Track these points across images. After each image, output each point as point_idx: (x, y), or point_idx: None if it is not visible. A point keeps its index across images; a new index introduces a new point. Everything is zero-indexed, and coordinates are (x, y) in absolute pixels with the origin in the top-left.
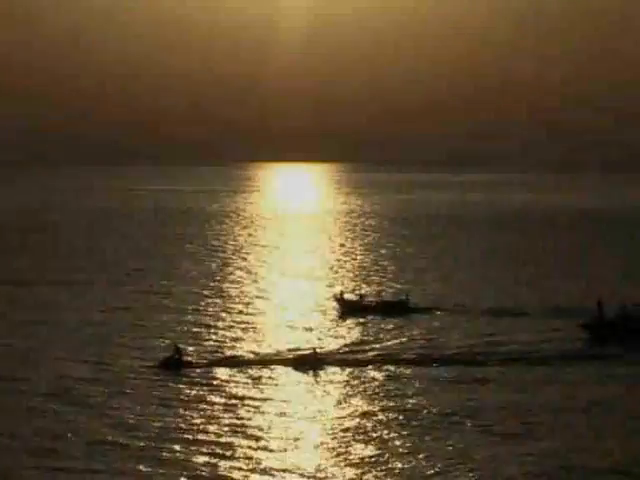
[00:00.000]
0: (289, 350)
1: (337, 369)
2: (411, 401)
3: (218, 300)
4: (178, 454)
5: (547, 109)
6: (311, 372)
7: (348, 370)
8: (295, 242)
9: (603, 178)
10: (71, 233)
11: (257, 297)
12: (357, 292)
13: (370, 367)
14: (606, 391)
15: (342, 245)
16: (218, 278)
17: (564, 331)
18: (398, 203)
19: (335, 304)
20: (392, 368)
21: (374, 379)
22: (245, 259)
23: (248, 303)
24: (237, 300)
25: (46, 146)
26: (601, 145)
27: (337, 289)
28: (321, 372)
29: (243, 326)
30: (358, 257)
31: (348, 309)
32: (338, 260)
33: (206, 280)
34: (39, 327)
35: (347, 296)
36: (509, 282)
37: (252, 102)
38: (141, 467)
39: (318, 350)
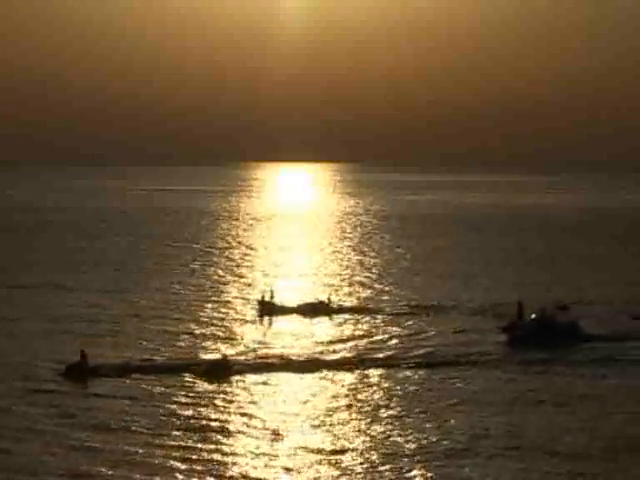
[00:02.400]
0: (200, 357)
1: (249, 375)
2: (326, 405)
3: (155, 303)
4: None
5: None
6: (221, 379)
7: (259, 376)
8: (286, 241)
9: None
10: (59, 233)
11: (195, 300)
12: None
13: (283, 372)
14: (514, 394)
15: (330, 244)
16: (182, 280)
17: (485, 333)
18: (395, 203)
19: (257, 307)
20: (305, 373)
21: (285, 384)
22: (231, 259)
23: (180, 307)
24: (174, 304)
25: (46, 146)
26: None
27: (265, 291)
28: (232, 379)
29: (161, 331)
30: (338, 258)
31: (269, 312)
32: (317, 260)
33: (168, 282)
34: None
35: (270, 298)
36: (448, 282)
37: (252, 102)
38: None
39: (229, 356)
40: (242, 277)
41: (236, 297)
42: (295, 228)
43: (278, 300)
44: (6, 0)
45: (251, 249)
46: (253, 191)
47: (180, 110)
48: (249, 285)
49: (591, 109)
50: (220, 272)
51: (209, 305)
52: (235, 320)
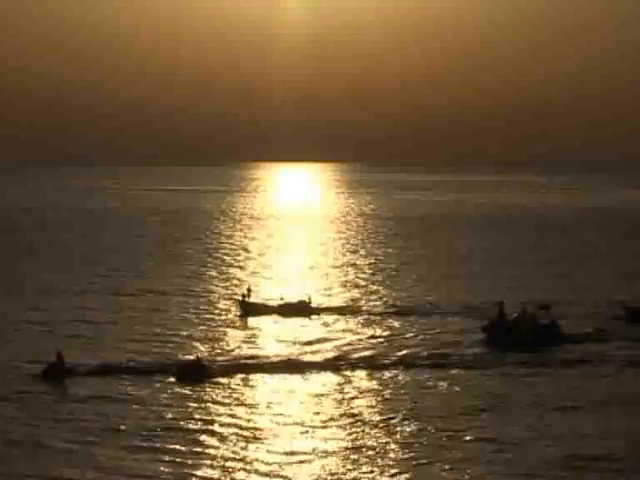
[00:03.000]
0: (175, 358)
1: (223, 377)
2: (303, 407)
3: (140, 304)
4: None
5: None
6: (195, 382)
7: (234, 378)
8: (279, 242)
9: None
10: (54, 233)
11: (181, 301)
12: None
13: (259, 373)
14: (493, 397)
15: (322, 245)
16: (170, 281)
17: (465, 333)
18: (394, 203)
19: (238, 307)
20: (282, 374)
21: (261, 386)
22: (223, 260)
23: (164, 308)
24: (158, 304)
25: (45, 146)
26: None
27: (246, 290)
28: (205, 381)
29: (142, 332)
30: (327, 258)
31: (249, 311)
32: (306, 260)
33: (156, 283)
34: None
35: (248, 298)
36: (436, 282)
37: (252, 102)
38: None
39: (204, 358)
40: (231, 278)
41: (221, 297)
42: (290, 229)
43: (258, 300)
44: None
45: (244, 250)
46: (252, 191)
47: (179, 110)
48: (236, 285)
49: (601, 109)
50: (210, 272)
51: (193, 306)
52: (217, 321)
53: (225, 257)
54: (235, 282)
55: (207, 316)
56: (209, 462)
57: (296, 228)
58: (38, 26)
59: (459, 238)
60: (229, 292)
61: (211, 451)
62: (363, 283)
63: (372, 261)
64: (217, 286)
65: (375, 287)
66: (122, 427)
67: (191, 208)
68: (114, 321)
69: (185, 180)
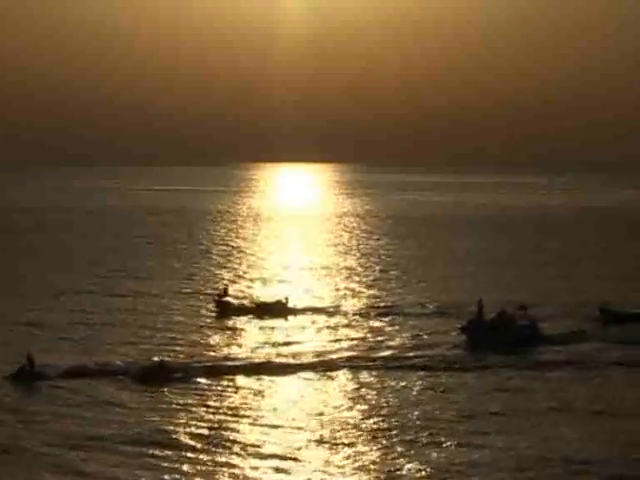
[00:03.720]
0: (141, 360)
1: (189, 380)
2: (271, 410)
3: (120, 304)
4: None
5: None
6: (157, 384)
7: (201, 381)
8: (274, 243)
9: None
10: (53, 233)
11: (162, 303)
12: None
13: (226, 376)
14: (471, 399)
15: (312, 245)
16: (155, 283)
17: (444, 333)
18: (391, 204)
19: (214, 307)
20: (254, 377)
21: (227, 390)
22: (213, 260)
23: (143, 309)
24: (138, 306)
25: (45, 146)
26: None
27: (225, 289)
28: (168, 384)
29: (117, 334)
30: (314, 258)
31: (225, 312)
32: (291, 261)
33: (142, 283)
34: None
35: (224, 297)
36: (419, 283)
37: (252, 102)
38: None
39: (166, 359)
40: (221, 278)
41: (205, 298)
42: (286, 229)
43: (234, 300)
44: None
45: (238, 250)
46: (251, 192)
47: (179, 110)
48: (219, 286)
49: (601, 109)
50: (203, 273)
51: (174, 307)
52: (193, 322)
53: (218, 258)
54: (224, 282)
55: (184, 317)
56: (167, 466)
57: (292, 229)
58: (38, 26)
59: (454, 238)
60: (215, 292)
61: (169, 456)
62: (345, 284)
63: (361, 262)
64: (204, 287)
65: (358, 288)
66: (79, 430)
67: (190, 208)
68: (93, 322)
69: (185, 180)
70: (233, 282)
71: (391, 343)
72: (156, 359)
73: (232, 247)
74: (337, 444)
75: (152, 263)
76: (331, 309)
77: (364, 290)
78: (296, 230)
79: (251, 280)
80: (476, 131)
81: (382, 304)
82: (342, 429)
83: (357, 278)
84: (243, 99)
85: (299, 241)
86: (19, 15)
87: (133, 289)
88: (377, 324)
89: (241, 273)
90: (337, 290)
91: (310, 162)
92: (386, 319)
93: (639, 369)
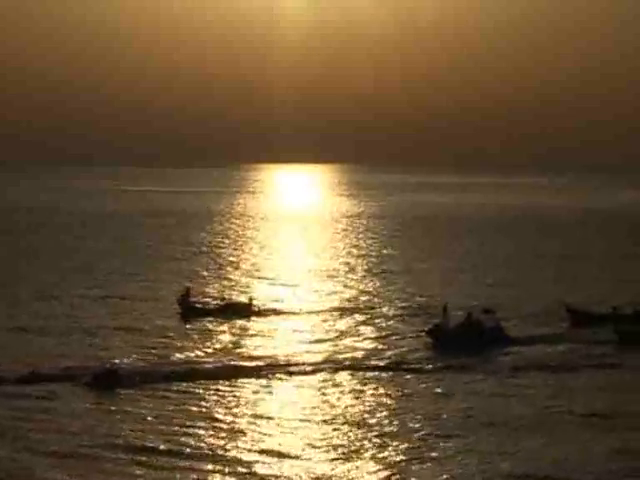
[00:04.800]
0: (93, 365)
1: (142, 385)
2: (226, 417)
3: (94, 308)
4: None
5: None
6: (108, 390)
7: (155, 387)
8: (256, 244)
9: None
10: (50, 234)
11: (130, 306)
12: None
13: (183, 382)
14: (436, 403)
15: (295, 246)
16: (130, 286)
17: (410, 336)
18: (388, 204)
19: (177, 309)
20: (212, 382)
21: (184, 395)
22: (201, 262)
23: (110, 311)
24: (107, 308)
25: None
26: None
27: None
28: (120, 391)
29: (77, 337)
30: (290, 260)
31: (188, 313)
32: (267, 262)
33: (122, 286)
34: None
35: (186, 298)
36: (393, 284)
37: (252, 102)
38: None
39: (122, 364)
40: (202, 279)
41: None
42: (279, 230)
43: (197, 301)
44: None
45: (230, 250)
46: (250, 193)
47: (179, 111)
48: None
49: (602, 109)
50: (193, 275)
51: (142, 310)
52: (156, 324)
53: (207, 259)
54: (186, 283)
55: (147, 320)
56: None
57: (287, 230)
58: (38, 26)
59: (451, 239)
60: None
61: (118, 464)
62: (322, 285)
63: (346, 262)
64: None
65: (334, 289)
66: (23, 434)
67: (190, 208)
68: (54, 326)
69: (184, 181)
70: (208, 282)
71: (355, 346)
72: (111, 364)
73: (225, 247)
74: (298, 452)
75: (139, 265)
76: (297, 309)
77: (340, 291)
78: (291, 231)
79: (227, 280)
80: (476, 131)
81: (354, 305)
82: (302, 436)
83: (336, 279)
84: (243, 99)
85: (290, 242)
86: (19, 15)
87: (104, 293)
88: (344, 325)
89: (208, 273)
90: (313, 291)
91: (310, 163)
92: (354, 321)
93: (608, 370)
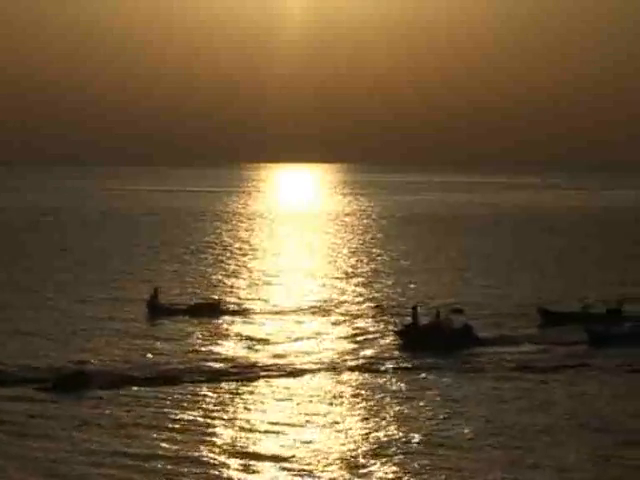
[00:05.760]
0: (62, 367)
1: (109, 388)
2: (192, 422)
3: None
4: None
5: None
6: (76, 393)
7: (118, 391)
8: (240, 243)
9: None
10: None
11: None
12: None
13: (148, 386)
14: (399, 404)
15: (275, 246)
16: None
17: (381, 337)
18: (384, 204)
19: (145, 308)
20: (178, 385)
21: (148, 399)
22: (189, 262)
23: (80, 312)
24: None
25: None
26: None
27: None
28: (87, 393)
29: (39, 337)
30: (265, 259)
31: (156, 313)
32: (243, 261)
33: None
34: None
35: (155, 298)
36: (365, 283)
37: (252, 102)
38: None
39: (88, 366)
40: (182, 281)
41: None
42: (269, 229)
43: (166, 300)
44: None
45: (217, 249)
46: (249, 193)
47: (179, 110)
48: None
49: (616, 109)
50: (153, 277)
51: (106, 312)
52: (123, 326)
53: (192, 258)
54: (155, 284)
55: (116, 322)
56: None
57: (280, 229)
58: (37, 26)
59: (448, 239)
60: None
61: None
62: (296, 284)
63: (329, 261)
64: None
65: (307, 288)
66: None
67: (189, 208)
68: (23, 327)
69: (184, 181)
70: (186, 282)
71: (322, 346)
72: (79, 366)
73: (216, 247)
74: (263, 455)
75: (125, 267)
76: (266, 309)
77: (317, 291)
78: (284, 230)
79: (207, 280)
80: (489, 131)
81: (327, 305)
82: (270, 440)
83: (315, 279)
84: (243, 99)
85: (281, 241)
86: (7, 15)
87: (80, 296)
88: (313, 326)
89: (188, 272)
90: (288, 291)
91: (310, 162)
92: (324, 321)
93: (575, 371)
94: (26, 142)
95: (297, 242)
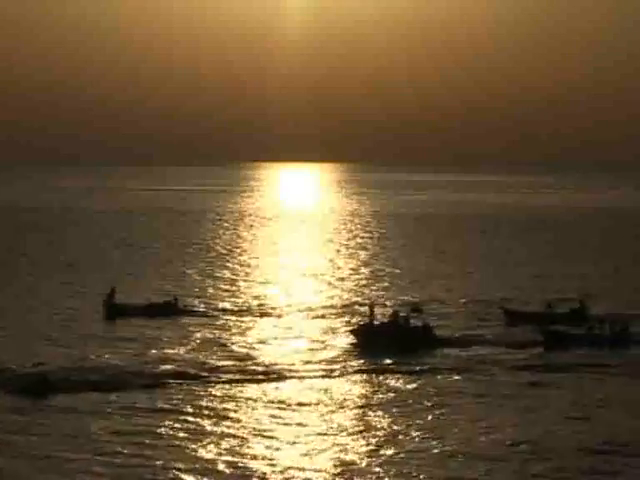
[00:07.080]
0: (22, 371)
1: (71, 393)
2: (146, 427)
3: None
4: None
5: None
6: (38, 398)
7: (83, 394)
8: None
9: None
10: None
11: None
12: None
13: (112, 391)
14: (352, 407)
15: (253, 246)
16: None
17: (336, 336)
18: (381, 203)
19: (102, 309)
20: (138, 390)
21: (111, 405)
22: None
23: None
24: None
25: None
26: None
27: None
28: (50, 398)
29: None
30: (233, 260)
31: (113, 313)
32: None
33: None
34: None
35: (111, 298)
36: (330, 283)
37: (253, 101)
38: None
39: (51, 370)
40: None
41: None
42: (263, 229)
43: (122, 301)
44: None
45: (206, 249)
46: (248, 192)
47: (179, 110)
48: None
49: (613, 109)
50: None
51: (62, 313)
52: (80, 328)
53: (182, 258)
54: (112, 284)
55: (72, 323)
56: None
57: (274, 228)
58: (42, 26)
59: (443, 238)
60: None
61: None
62: (264, 285)
63: (297, 261)
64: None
65: (276, 288)
66: None
67: (188, 208)
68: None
69: (184, 180)
70: (152, 281)
71: (277, 347)
72: (40, 370)
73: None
74: (204, 457)
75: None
76: (223, 309)
77: (284, 291)
78: (279, 230)
79: (180, 280)
80: (486, 131)
81: (277, 304)
82: (214, 443)
83: (273, 278)
84: (244, 98)
85: (273, 240)
86: (11, 15)
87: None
88: (271, 326)
89: (160, 271)
90: (255, 291)
91: (310, 162)
92: (278, 320)
93: (528, 372)
94: (30, 142)
95: (291, 241)
